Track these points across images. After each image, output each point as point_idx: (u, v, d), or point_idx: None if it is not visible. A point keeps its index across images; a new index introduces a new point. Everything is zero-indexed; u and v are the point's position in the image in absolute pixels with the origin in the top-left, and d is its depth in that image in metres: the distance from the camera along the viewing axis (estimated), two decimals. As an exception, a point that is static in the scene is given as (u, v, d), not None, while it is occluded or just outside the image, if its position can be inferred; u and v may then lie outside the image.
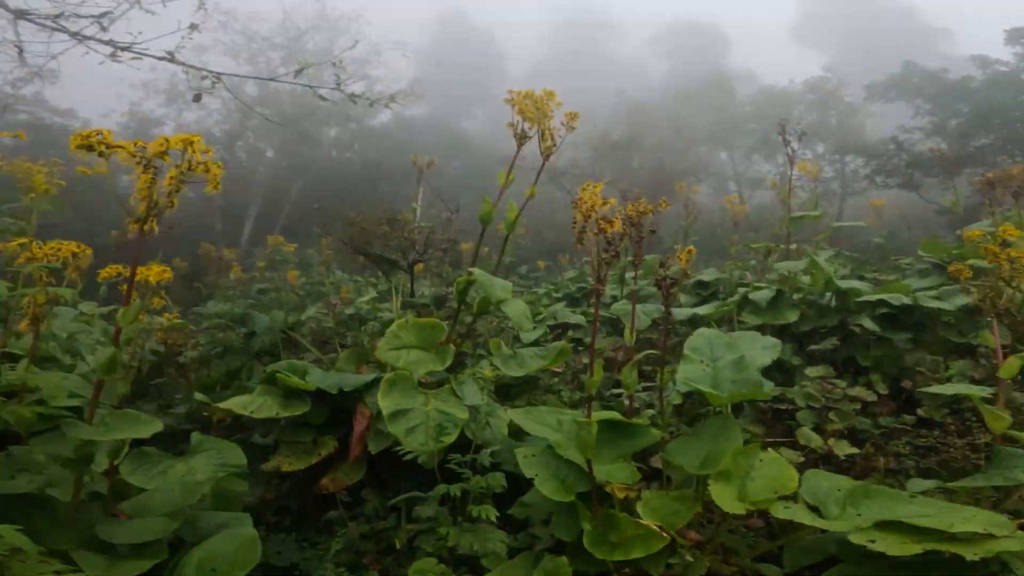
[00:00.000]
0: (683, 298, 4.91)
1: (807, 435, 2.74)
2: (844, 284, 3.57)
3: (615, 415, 2.02)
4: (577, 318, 4.68)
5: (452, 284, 4.11)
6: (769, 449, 2.01)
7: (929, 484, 1.98)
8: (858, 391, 2.96)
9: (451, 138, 23.69)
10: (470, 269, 2.37)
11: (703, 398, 2.38)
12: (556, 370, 3.53)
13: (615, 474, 1.93)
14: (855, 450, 2.62)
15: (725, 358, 2.39)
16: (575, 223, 1.75)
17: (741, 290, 4.10)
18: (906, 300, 3.47)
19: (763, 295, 3.79)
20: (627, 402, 2.41)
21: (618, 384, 3.54)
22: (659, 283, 2.17)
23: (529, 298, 6.57)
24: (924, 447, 2.63)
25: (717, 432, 2.15)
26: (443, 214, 4.57)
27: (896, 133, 12.61)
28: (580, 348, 4.47)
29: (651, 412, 2.31)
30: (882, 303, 3.56)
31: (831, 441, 2.76)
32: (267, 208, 20.11)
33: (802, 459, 2.55)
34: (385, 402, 2.15)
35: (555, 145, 2.54)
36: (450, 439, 2.12)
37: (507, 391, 3.09)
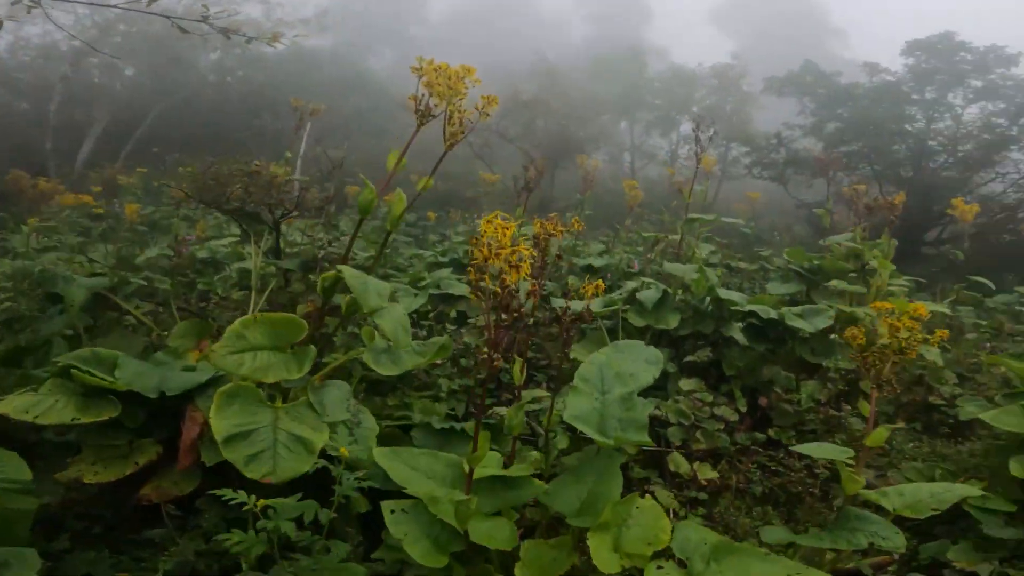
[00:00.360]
0: (570, 280, 4.85)
1: (677, 461, 2.79)
2: (723, 294, 3.65)
3: (495, 471, 1.83)
4: (462, 288, 4.43)
5: (334, 241, 3.67)
6: (647, 496, 1.96)
7: (780, 533, 2.04)
8: (723, 411, 3.05)
9: (354, 75, 21.77)
10: (339, 267, 2.01)
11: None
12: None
13: (495, 533, 1.76)
14: (715, 474, 2.70)
15: (615, 391, 2.29)
16: (473, 262, 1.44)
17: (629, 285, 4.08)
18: (773, 314, 3.62)
19: (650, 296, 3.78)
20: (511, 444, 2.24)
21: (500, 386, 3.41)
22: (561, 318, 1.99)
23: (410, 254, 6.15)
24: (771, 469, 2.76)
25: (600, 472, 2.08)
26: (326, 165, 4.04)
27: (780, 128, 13.34)
28: (467, 323, 4.27)
29: (535, 455, 2.17)
30: (752, 314, 3.70)
31: (696, 465, 2.82)
32: (117, 128, 17.49)
33: (676, 503, 2.57)
34: (220, 422, 1.80)
35: (462, 131, 2.21)
36: (304, 468, 1.84)
37: (379, 386, 2.83)
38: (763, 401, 3.27)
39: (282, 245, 3.24)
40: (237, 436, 1.82)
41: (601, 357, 2.39)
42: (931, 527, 2.38)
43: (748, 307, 3.63)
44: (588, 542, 1.76)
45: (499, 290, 1.40)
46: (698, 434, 2.95)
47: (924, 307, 1.89)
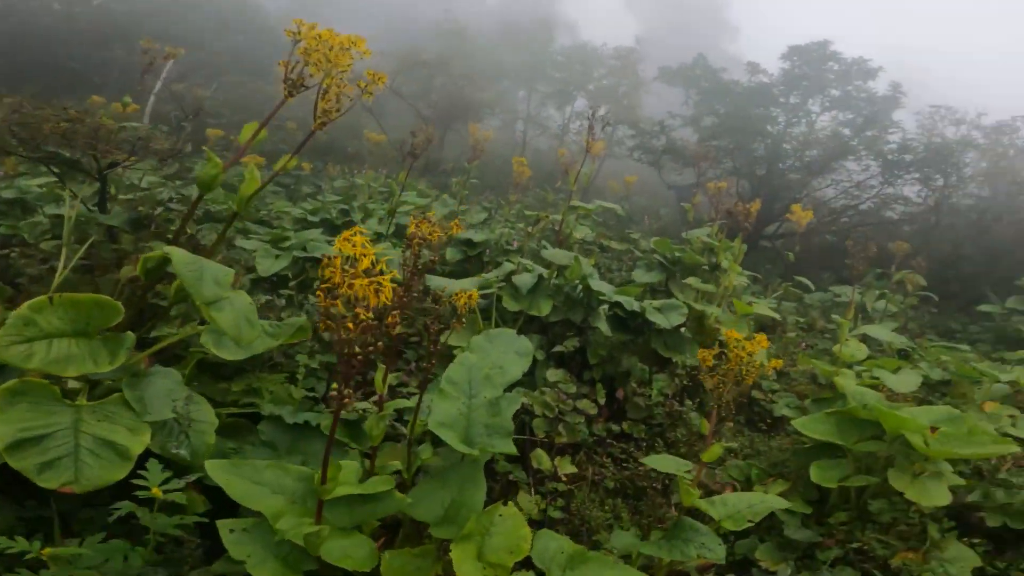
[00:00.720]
0: (449, 252, 4.73)
1: (539, 457, 2.84)
2: (595, 284, 3.74)
3: (351, 488, 1.69)
4: (330, 251, 4.12)
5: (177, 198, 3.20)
6: (510, 503, 1.95)
7: (627, 539, 2.16)
8: (584, 404, 3.15)
9: (236, 10, 19.12)
10: (167, 249, 1.70)
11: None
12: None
13: (352, 552, 1.63)
14: (574, 468, 2.79)
15: (482, 395, 2.23)
16: (323, 285, 1.25)
17: (507, 265, 4.05)
18: (636, 307, 3.79)
19: (525, 280, 3.77)
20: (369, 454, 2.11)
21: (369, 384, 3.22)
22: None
23: (278, 208, 5.61)
24: (622, 462, 2.93)
25: (464, 480, 2.03)
26: (189, 105, 3.48)
27: (665, 116, 13.91)
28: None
29: (396, 464, 2.06)
30: (618, 304, 3.85)
31: (557, 460, 2.90)
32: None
33: (536, 507, 2.61)
34: (2, 426, 1.48)
35: (338, 110, 1.96)
36: (116, 476, 1.57)
37: (221, 368, 2.53)
38: (620, 393, 3.44)
39: (114, 192, 2.75)
40: (26, 442, 1.51)
41: (472, 357, 2.33)
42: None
43: (615, 298, 3.76)
44: (451, 554, 1.71)
45: (351, 326, 1.24)
46: (560, 427, 3.03)
47: (765, 341, 2.03)
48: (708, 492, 2.85)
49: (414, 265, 1.70)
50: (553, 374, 3.24)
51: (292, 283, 3.85)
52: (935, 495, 2.33)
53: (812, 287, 5.84)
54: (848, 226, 10.54)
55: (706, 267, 4.93)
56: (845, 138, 11.56)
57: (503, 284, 3.89)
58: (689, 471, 2.10)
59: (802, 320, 5.30)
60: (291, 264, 4.06)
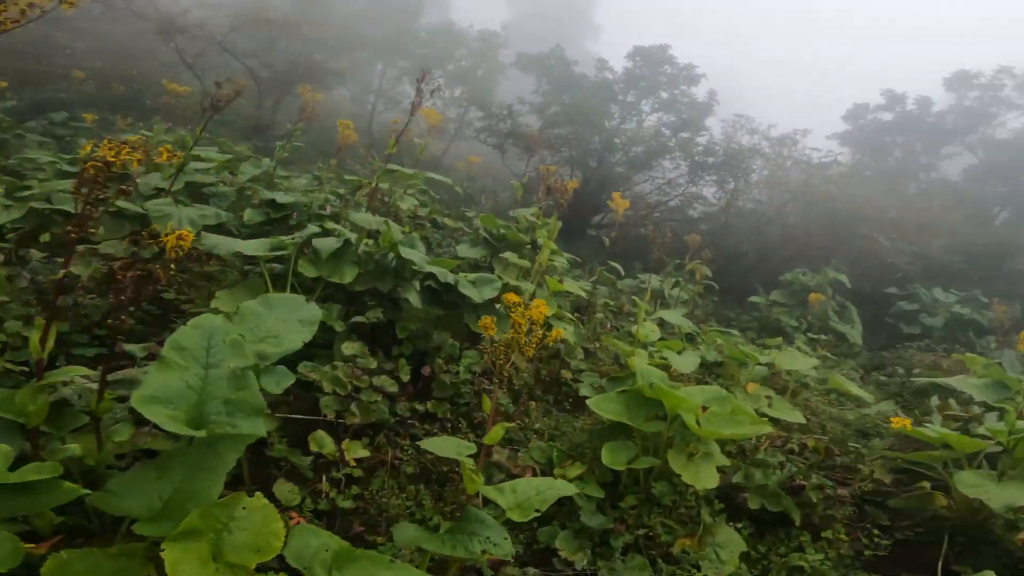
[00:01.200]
0: (247, 213, 4.03)
1: (320, 439, 2.44)
2: (405, 252, 3.39)
3: None
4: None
5: None
6: (257, 494, 1.55)
7: (411, 532, 1.88)
8: (382, 380, 2.81)
9: None
10: None
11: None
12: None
13: None
14: (366, 452, 2.45)
15: (224, 364, 1.76)
16: None
17: (310, 228, 3.52)
18: (450, 279, 3.53)
19: (326, 244, 3.30)
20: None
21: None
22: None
23: (47, 160, 4.44)
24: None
25: (193, 466, 1.61)
26: None
27: (514, 102, 13.95)
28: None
29: (74, 448, 1.52)
30: (432, 276, 3.56)
31: (346, 443, 2.52)
32: None
33: (298, 499, 2.21)
34: None
35: (19, 21, 1.35)
36: None
37: None
38: (426, 370, 3.16)
39: None
40: None
41: (213, 320, 1.84)
42: (551, 509, 2.58)
43: (428, 268, 3.46)
44: (164, 553, 1.34)
45: None
46: (353, 406, 2.66)
47: (545, 307, 1.86)
48: (510, 476, 2.71)
49: (90, 192, 1.20)
50: (350, 347, 2.85)
51: (10, 236, 2.97)
52: (705, 477, 2.42)
53: (622, 271, 6.16)
54: (658, 220, 11.52)
55: (529, 245, 4.87)
56: (665, 138, 12.57)
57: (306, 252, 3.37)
58: (473, 454, 1.88)
59: (612, 303, 5.54)
60: (27, 216, 3.14)
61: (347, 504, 2.39)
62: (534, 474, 2.69)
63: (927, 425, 3.02)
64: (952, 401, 4.03)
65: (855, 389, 4.03)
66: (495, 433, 1.86)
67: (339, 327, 3.03)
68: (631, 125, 13.44)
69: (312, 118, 5.79)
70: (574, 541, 2.40)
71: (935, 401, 4.01)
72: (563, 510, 2.53)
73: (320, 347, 3.06)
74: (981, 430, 2.97)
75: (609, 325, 4.78)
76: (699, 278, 6.32)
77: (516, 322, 1.74)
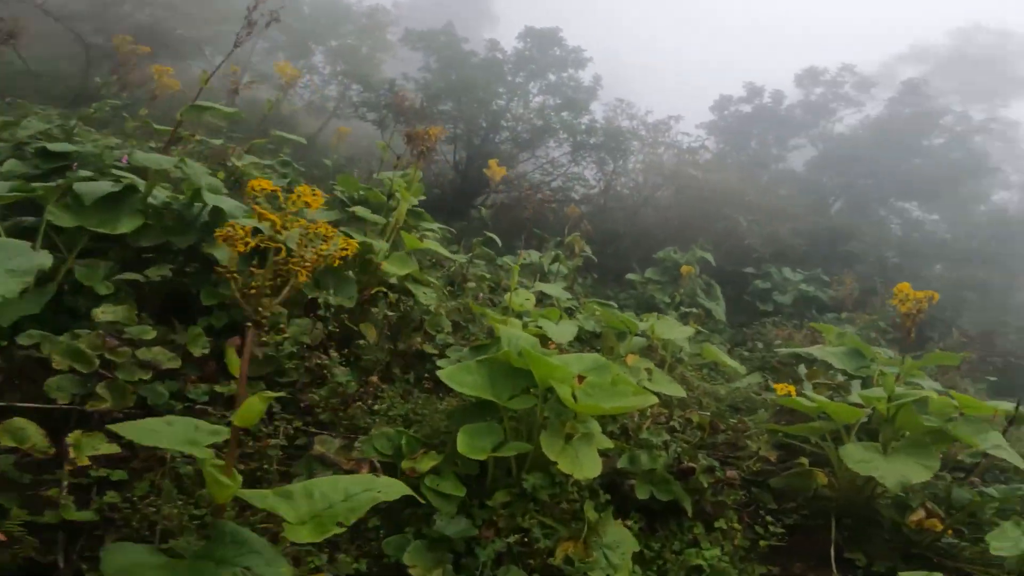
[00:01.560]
0: (8, 164, 2.93)
1: (18, 431, 1.61)
2: (212, 199, 2.59)
3: None
4: None
5: None
6: None
7: (129, 556, 1.20)
8: (155, 352, 2.02)
9: None
10: None
11: None
12: None
13: None
14: (113, 448, 1.69)
15: None
16: None
17: (81, 174, 2.58)
18: (282, 237, 2.78)
19: (92, 188, 2.40)
20: None
21: None
22: None
23: None
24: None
25: None
26: None
27: (398, 78, 13.07)
28: None
29: None
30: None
31: (77, 436, 1.72)
32: None
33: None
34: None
35: None
36: None
37: None
38: (234, 341, 2.40)
39: None
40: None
41: None
42: (402, 508, 1.97)
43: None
44: None
45: None
46: (99, 387, 1.86)
47: (320, 198, 1.25)
48: (343, 473, 2.08)
49: None
50: (108, 310, 2.03)
51: None
52: (586, 464, 1.96)
53: (500, 244, 5.72)
54: (541, 200, 11.31)
55: (393, 208, 4.23)
56: (550, 120, 12.41)
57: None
58: (216, 444, 1.23)
59: (489, 277, 5.07)
60: None
61: (87, 516, 1.63)
62: (372, 469, 2.08)
63: (804, 395, 2.85)
64: (816, 368, 4.04)
65: (729, 360, 3.90)
66: (248, 411, 1.22)
67: (104, 289, 2.17)
68: (518, 105, 13.17)
69: (161, 90, 4.77)
70: (428, 554, 1.83)
71: (803, 370, 3.99)
72: (419, 512, 1.97)
73: (85, 319, 2.21)
74: (854, 397, 2.85)
75: (481, 296, 4.27)
76: (578, 251, 6.04)
77: (264, 216, 1.11)
